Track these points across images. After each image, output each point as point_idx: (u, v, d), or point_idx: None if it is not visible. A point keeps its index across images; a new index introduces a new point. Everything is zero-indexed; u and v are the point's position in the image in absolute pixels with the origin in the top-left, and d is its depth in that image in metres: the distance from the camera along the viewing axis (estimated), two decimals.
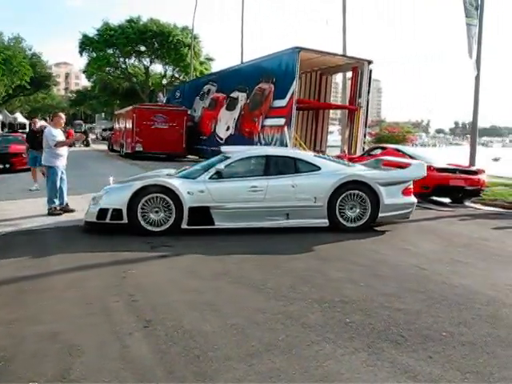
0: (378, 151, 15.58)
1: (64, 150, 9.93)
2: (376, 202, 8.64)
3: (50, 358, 3.71)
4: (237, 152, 9.34)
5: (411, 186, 9.12)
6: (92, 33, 52.17)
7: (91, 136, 49.72)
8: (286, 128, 17.77)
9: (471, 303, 5.12)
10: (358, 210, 8.70)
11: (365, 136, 19.91)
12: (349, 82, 21.58)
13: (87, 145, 41.63)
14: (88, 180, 15.05)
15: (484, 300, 5.24)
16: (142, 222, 8.06)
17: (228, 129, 23.46)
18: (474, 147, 17.58)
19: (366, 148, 18.71)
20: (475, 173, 13.37)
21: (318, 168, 8.87)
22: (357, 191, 8.64)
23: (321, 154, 11.65)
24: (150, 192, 8.09)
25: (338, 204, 8.59)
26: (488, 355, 3.91)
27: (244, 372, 3.53)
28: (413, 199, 9.14)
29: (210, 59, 57.69)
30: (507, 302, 5.22)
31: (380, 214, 8.72)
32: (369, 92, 19.08)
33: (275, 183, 8.57)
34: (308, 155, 9.68)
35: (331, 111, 24.87)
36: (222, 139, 24.07)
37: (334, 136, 32.38)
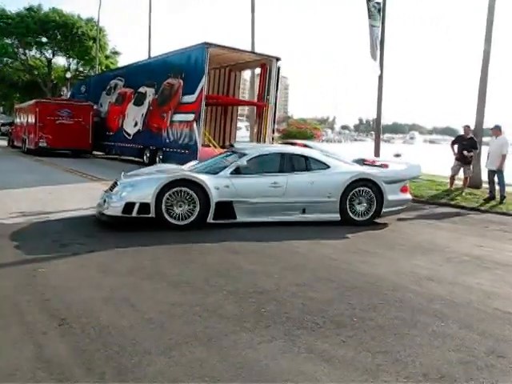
0: None
1: None
2: (381, 198, 9.32)
3: None
4: (250, 149, 9.65)
5: (408, 184, 10.01)
6: None
7: None
8: (195, 124, 17.76)
9: (379, 289, 5.42)
10: (365, 205, 9.25)
11: (273, 132, 20.29)
12: (257, 79, 21.86)
13: None
14: None
15: (391, 286, 5.56)
16: (167, 216, 8.06)
17: (136, 124, 23.10)
18: (378, 143, 18.41)
19: (275, 144, 19.04)
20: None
21: (328, 166, 9.43)
22: (365, 188, 9.28)
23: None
24: (175, 186, 8.09)
25: (348, 199, 9.16)
26: (395, 336, 4.17)
27: (165, 364, 3.55)
28: (408, 196, 10.12)
29: (116, 53, 56.35)
30: (411, 287, 5.58)
31: (383, 209, 9.35)
32: (277, 89, 19.38)
33: (294, 179, 8.98)
34: (318, 154, 10.09)
35: (240, 107, 25.06)
36: (129, 135, 23.68)
37: (242, 132, 32.65)
